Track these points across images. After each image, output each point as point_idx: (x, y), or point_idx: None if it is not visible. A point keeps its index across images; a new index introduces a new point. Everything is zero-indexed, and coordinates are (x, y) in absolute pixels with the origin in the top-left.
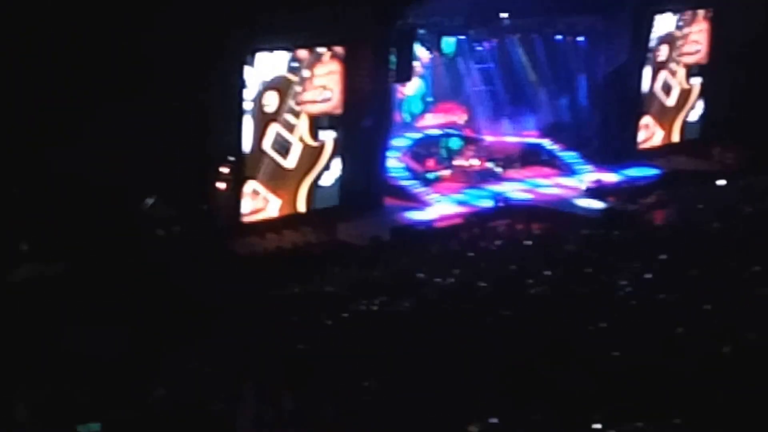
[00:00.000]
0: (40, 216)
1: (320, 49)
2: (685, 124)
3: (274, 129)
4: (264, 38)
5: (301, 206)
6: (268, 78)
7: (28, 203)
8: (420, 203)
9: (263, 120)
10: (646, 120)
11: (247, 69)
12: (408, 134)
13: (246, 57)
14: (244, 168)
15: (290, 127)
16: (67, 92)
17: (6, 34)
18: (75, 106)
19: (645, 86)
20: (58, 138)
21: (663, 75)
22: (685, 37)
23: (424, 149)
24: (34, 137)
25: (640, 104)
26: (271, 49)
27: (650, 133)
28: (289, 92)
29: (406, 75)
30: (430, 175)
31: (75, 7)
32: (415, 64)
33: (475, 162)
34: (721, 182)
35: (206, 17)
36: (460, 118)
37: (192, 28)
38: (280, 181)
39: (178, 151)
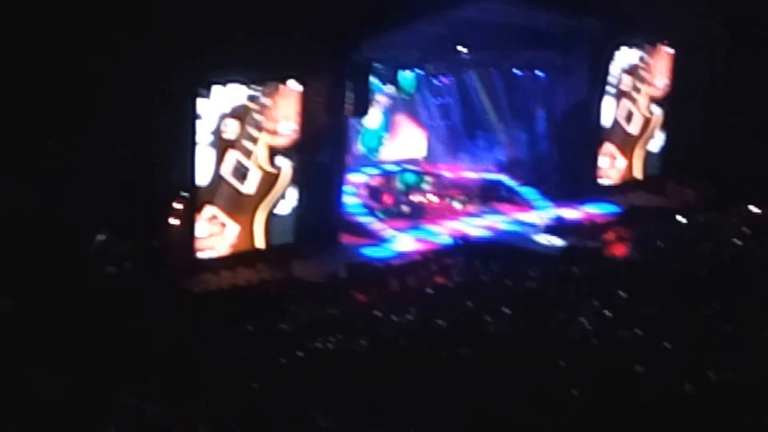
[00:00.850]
0: None
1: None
2: (645, 159)
3: (232, 155)
4: (217, 71)
5: (258, 239)
6: (226, 108)
7: None
8: (377, 239)
9: (222, 146)
10: (606, 155)
11: (202, 101)
12: (365, 169)
13: (199, 90)
14: (197, 203)
15: (248, 154)
16: (13, 124)
17: None
18: (21, 138)
19: (605, 122)
20: (2, 171)
21: (623, 109)
22: (644, 72)
23: (380, 184)
24: None
25: (599, 140)
26: (225, 83)
27: (610, 169)
28: (248, 119)
29: (362, 109)
30: (387, 211)
31: (23, 37)
32: (380, 98)
33: (434, 198)
34: (681, 219)
35: (157, 50)
36: (419, 152)
37: (142, 61)
38: (237, 206)
39: (130, 185)
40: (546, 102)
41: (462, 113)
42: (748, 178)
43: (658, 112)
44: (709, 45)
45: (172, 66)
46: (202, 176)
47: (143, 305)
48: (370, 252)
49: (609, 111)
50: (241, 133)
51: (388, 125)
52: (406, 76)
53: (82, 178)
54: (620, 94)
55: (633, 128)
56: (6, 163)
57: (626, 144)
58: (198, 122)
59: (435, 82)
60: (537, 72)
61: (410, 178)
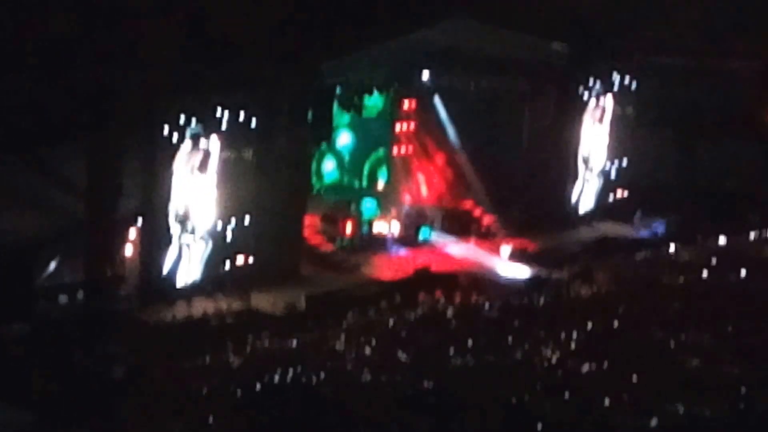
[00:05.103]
0: None
1: (238, 108)
2: (612, 190)
3: (193, 181)
4: (176, 100)
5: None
6: (188, 135)
7: None
8: (338, 270)
9: (183, 173)
10: (574, 183)
11: (165, 128)
12: (326, 197)
13: (159, 118)
14: (155, 231)
15: (208, 180)
16: None
17: None
18: None
19: (572, 149)
20: None
21: (590, 139)
22: (612, 101)
23: (342, 213)
24: None
25: (566, 169)
26: (187, 111)
27: (578, 197)
28: (209, 146)
29: (323, 134)
30: (348, 241)
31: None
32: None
33: (396, 227)
34: (647, 251)
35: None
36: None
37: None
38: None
39: (85, 212)
40: (513, 128)
41: (425, 139)
42: (717, 210)
43: (624, 147)
44: (675, 74)
45: (129, 94)
46: (161, 204)
47: (96, 335)
48: (331, 282)
49: (577, 138)
50: (204, 160)
51: (352, 151)
52: (370, 101)
53: (33, 203)
54: (589, 122)
55: (600, 157)
56: None
57: (589, 179)
58: (157, 150)
59: (399, 106)
60: (504, 99)
61: (372, 206)
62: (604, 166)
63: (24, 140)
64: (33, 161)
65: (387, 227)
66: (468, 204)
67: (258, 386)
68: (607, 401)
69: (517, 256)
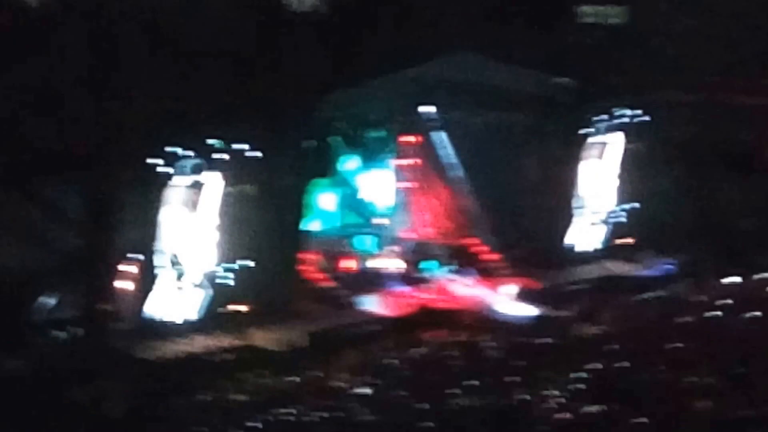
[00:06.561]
0: None
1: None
2: (620, 227)
3: (191, 220)
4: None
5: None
6: (187, 174)
7: None
8: (338, 306)
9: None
10: (577, 222)
11: (161, 168)
12: (327, 232)
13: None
14: (152, 267)
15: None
16: None
17: None
18: None
19: (578, 187)
20: None
21: (597, 175)
22: (621, 136)
23: (341, 249)
24: None
25: (570, 207)
26: (184, 146)
27: (581, 236)
28: (206, 180)
29: (323, 168)
30: (348, 277)
31: None
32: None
33: (396, 262)
34: (656, 291)
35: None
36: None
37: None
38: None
39: (83, 248)
40: (518, 164)
41: (428, 174)
42: (728, 249)
43: (630, 185)
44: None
45: (125, 132)
46: (158, 238)
47: (93, 372)
48: (332, 319)
49: (583, 176)
50: (200, 201)
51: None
52: (371, 136)
53: (29, 238)
54: (596, 158)
55: (608, 193)
56: None
57: (599, 210)
58: (154, 188)
59: (400, 142)
60: (507, 134)
61: (372, 241)
62: (612, 203)
63: (20, 174)
64: (29, 195)
65: (389, 263)
66: (472, 241)
67: (256, 424)
68: None
69: (521, 294)
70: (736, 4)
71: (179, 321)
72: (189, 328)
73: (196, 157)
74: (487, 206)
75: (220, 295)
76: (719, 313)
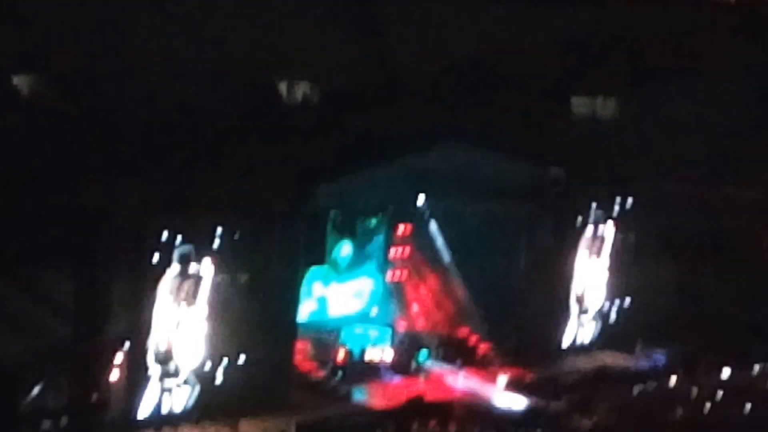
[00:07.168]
0: None
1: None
2: (611, 320)
3: (182, 310)
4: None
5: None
6: (176, 257)
7: None
8: (328, 396)
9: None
10: (570, 314)
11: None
12: (317, 324)
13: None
14: (142, 358)
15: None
16: None
17: None
18: None
19: (569, 278)
20: None
21: (589, 265)
22: (612, 226)
23: (333, 340)
24: None
25: (563, 298)
26: (175, 233)
27: (574, 328)
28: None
29: (317, 257)
30: (340, 368)
31: None
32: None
33: (389, 354)
34: (648, 383)
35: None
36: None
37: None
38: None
39: (70, 336)
40: (510, 254)
41: (421, 263)
42: (720, 340)
43: (624, 276)
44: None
45: (117, 215)
46: (148, 328)
47: None
48: (322, 410)
49: (575, 264)
50: (191, 288)
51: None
52: (364, 225)
53: (17, 327)
54: (587, 248)
55: (600, 284)
56: None
57: (591, 300)
58: (144, 273)
59: (394, 231)
60: (500, 224)
61: (364, 332)
62: (605, 293)
63: (8, 261)
64: (18, 282)
65: (380, 354)
66: (463, 331)
67: None
68: None
69: (513, 385)
70: (725, 96)
71: (168, 410)
72: (176, 418)
73: (188, 244)
74: (479, 296)
75: (209, 388)
76: (711, 405)
